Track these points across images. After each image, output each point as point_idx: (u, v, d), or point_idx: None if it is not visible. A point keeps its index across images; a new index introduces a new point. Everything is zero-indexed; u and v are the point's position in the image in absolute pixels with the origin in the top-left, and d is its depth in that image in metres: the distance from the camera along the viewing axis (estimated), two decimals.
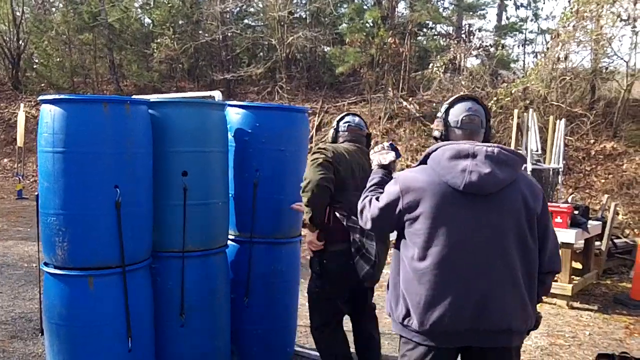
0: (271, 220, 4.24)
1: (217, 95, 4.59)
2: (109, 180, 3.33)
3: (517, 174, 2.55)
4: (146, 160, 3.53)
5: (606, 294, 6.96)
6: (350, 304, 3.90)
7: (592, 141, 11.87)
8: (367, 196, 2.75)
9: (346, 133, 3.83)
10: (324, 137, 13.93)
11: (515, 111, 8.17)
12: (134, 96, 4.63)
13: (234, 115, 4.19)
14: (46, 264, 3.55)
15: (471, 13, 17.80)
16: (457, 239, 2.45)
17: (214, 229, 3.96)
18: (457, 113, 2.67)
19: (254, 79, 15.82)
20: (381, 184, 2.78)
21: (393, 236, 2.80)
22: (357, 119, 3.92)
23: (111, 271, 3.42)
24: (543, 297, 2.77)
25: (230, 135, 4.14)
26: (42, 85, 17.79)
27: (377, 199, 2.66)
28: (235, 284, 4.26)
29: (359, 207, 2.75)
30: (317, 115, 14.56)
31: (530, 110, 8.18)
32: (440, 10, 15.33)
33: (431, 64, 12.14)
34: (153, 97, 4.07)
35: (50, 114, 3.32)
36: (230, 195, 4.17)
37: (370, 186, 2.82)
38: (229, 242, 4.24)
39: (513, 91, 10.20)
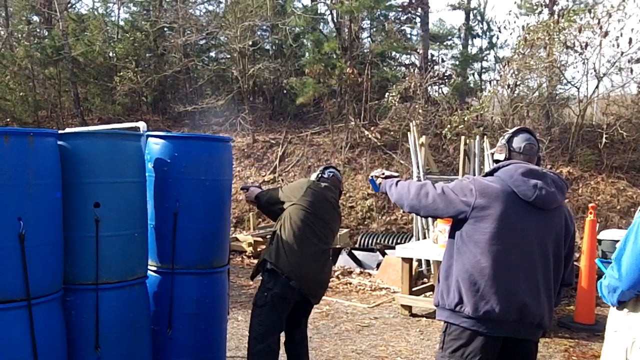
0: (193, 251, 4.21)
1: (142, 126, 4.60)
2: (12, 213, 3.28)
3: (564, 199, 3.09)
4: (53, 192, 3.49)
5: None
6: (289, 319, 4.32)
7: (548, 166, 12.02)
8: (425, 182, 3.19)
9: (328, 180, 4.50)
10: (288, 167, 13.96)
11: (462, 138, 8.26)
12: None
13: (154, 146, 4.18)
14: None
15: (438, 43, 18.12)
16: (515, 241, 2.91)
17: (131, 261, 3.90)
18: (520, 141, 3.15)
19: (217, 111, 15.85)
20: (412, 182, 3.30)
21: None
22: (338, 173, 4.66)
23: (16, 305, 3.34)
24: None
25: (150, 165, 4.14)
26: (7, 120, 17.62)
27: (439, 186, 3.09)
28: (158, 316, 4.20)
29: (416, 184, 3.19)
30: (280, 145, 14.60)
31: (477, 137, 8.28)
32: (405, 40, 15.52)
33: (387, 94, 12.26)
34: (67, 130, 4.06)
35: None
36: (151, 225, 4.14)
37: (411, 181, 3.33)
38: (151, 273, 4.20)
39: (466, 118, 10.32)
